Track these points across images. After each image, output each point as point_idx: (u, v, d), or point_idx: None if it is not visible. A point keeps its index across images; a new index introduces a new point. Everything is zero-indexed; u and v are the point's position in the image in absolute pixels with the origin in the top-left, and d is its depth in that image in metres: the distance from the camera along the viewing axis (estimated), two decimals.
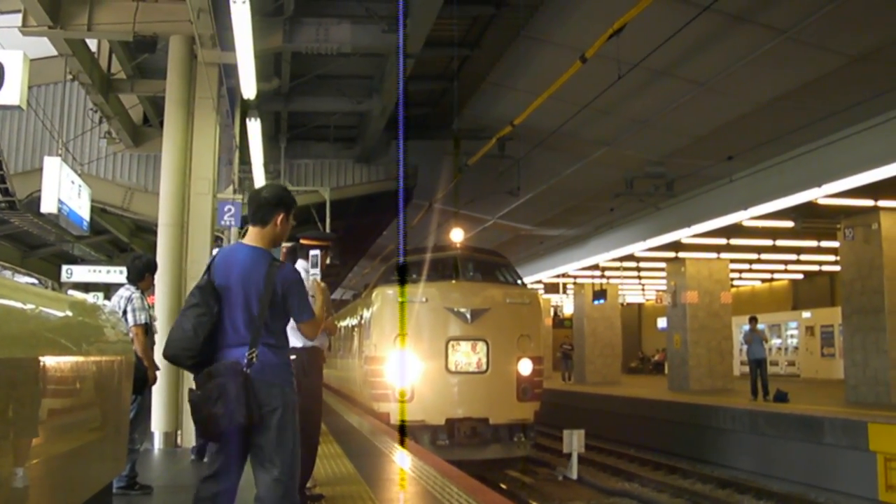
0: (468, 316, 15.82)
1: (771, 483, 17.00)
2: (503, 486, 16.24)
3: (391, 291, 16.40)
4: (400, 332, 15.58)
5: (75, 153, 18.11)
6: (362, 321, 18.34)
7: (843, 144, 15.44)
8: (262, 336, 4.69)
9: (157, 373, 8.34)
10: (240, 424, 4.50)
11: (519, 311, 16.61)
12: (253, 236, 4.95)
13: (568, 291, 38.87)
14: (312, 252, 6.78)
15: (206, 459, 9.90)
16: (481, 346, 15.87)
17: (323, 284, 5.95)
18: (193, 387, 4.66)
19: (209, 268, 4.91)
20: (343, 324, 23.38)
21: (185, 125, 12.13)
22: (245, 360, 4.58)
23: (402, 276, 16.80)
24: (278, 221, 4.92)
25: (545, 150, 18.16)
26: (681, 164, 18.68)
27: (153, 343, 8.31)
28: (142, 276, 8.24)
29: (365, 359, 16.97)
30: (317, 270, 6.44)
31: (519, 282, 17.91)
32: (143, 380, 7.51)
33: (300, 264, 6.68)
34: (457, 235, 20.78)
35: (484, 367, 15.83)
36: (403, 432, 14.05)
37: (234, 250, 5.03)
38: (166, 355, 4.79)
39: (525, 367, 16.05)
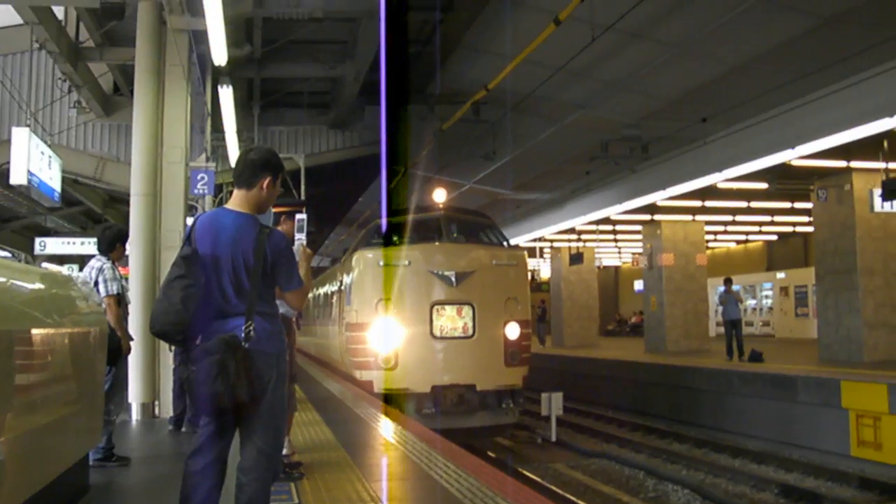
0: (453, 279, 15.32)
1: (746, 441, 17.19)
2: (491, 454, 15.93)
3: (372, 255, 15.85)
4: (382, 296, 15.16)
5: (44, 123, 17.90)
6: (342, 286, 17.78)
7: (817, 106, 15.49)
8: (256, 305, 4.54)
9: (133, 343, 8.30)
10: (242, 401, 4.39)
11: (506, 273, 16.09)
12: (238, 200, 4.73)
13: (545, 255, 38.92)
14: (299, 216, 6.66)
15: (183, 429, 9.91)
16: (467, 310, 15.39)
17: (309, 251, 5.85)
18: (172, 354, 4.56)
19: (189, 235, 4.70)
20: (322, 290, 22.91)
21: (155, 93, 11.98)
22: (242, 334, 4.45)
23: (384, 238, 16.26)
24: (265, 185, 4.70)
25: (520, 114, 18.12)
26: (656, 127, 18.68)
27: (126, 313, 8.26)
28: (113, 246, 8.14)
29: (346, 325, 16.37)
30: (302, 235, 6.30)
31: (505, 243, 17.32)
32: (117, 350, 7.46)
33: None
34: (439, 196, 20.46)
35: (470, 331, 15.36)
36: (387, 401, 13.87)
37: (218, 216, 4.77)
38: (153, 331, 4.58)
39: (512, 330, 15.63)
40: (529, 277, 19.03)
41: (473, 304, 15.43)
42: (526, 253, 17.82)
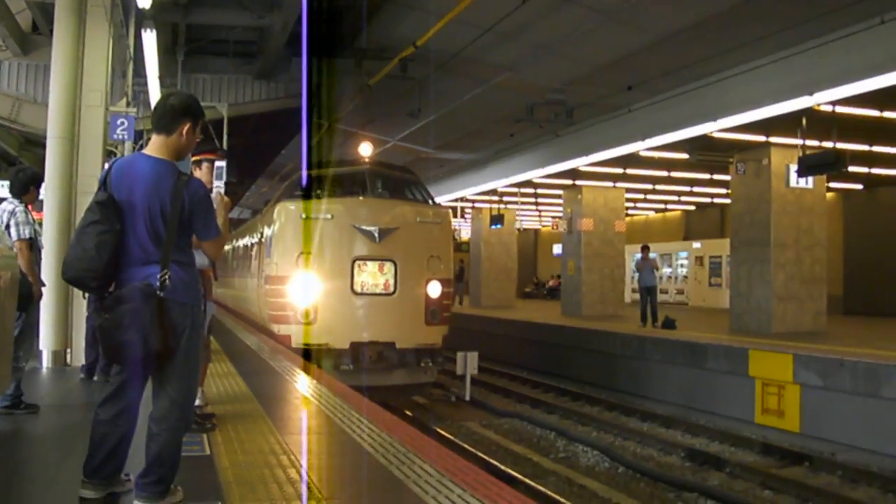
0: (376, 235, 15.15)
1: (655, 406, 17.58)
2: (405, 412, 15.94)
3: (294, 207, 15.56)
4: (303, 250, 14.98)
5: None
6: (262, 238, 17.44)
7: (740, 80, 15.75)
8: (172, 254, 4.46)
9: (45, 289, 8.14)
10: (154, 351, 4.35)
11: (429, 230, 16.01)
12: (156, 146, 4.61)
13: (466, 216, 39.06)
14: (218, 164, 6.54)
15: (95, 378, 9.77)
16: (389, 266, 15.28)
17: (227, 199, 5.74)
18: (86, 303, 4.47)
19: (105, 180, 4.59)
20: (242, 242, 22.60)
21: (76, 34, 11.62)
22: (157, 283, 4.37)
23: (307, 191, 15.90)
24: (184, 131, 4.59)
25: (447, 73, 18.06)
26: (581, 93, 18.79)
27: (39, 258, 8.09)
28: (26, 189, 7.96)
29: (265, 278, 16.14)
30: (220, 183, 6.17)
31: (430, 201, 17.17)
32: (27, 296, 7.30)
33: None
34: (365, 150, 20.16)
35: (391, 288, 15.29)
36: (306, 356, 13.79)
37: (135, 161, 4.67)
38: (67, 277, 4.51)
39: (434, 289, 15.62)
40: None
41: (396, 261, 15.31)
42: (451, 211, 17.63)
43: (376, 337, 15.15)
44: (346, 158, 21.03)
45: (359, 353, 14.99)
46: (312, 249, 15.00)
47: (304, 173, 16.78)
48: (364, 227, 15.18)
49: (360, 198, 15.96)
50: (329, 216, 15.21)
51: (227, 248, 23.02)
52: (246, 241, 21.65)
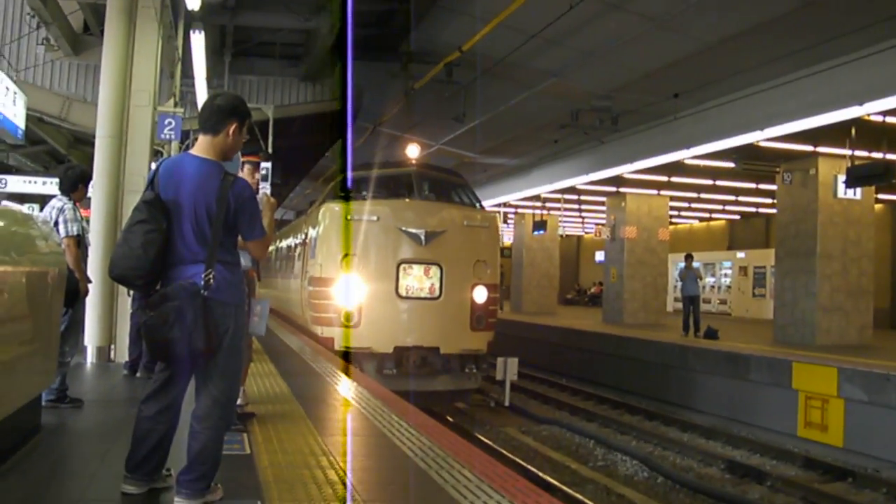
0: (422, 238, 14.89)
1: (696, 417, 17.41)
2: (444, 416, 15.72)
3: (339, 208, 15.29)
4: (348, 252, 14.81)
5: (11, 59, 17.59)
6: (307, 239, 17.23)
7: (788, 89, 15.58)
8: (217, 253, 4.50)
9: (91, 286, 8.23)
10: (198, 350, 4.39)
11: (477, 234, 15.72)
12: (203, 146, 4.66)
13: (508, 221, 38.98)
14: (264, 165, 6.58)
15: (138, 374, 9.87)
16: (435, 270, 15.05)
17: (273, 200, 5.77)
18: (131, 300, 4.51)
19: (152, 180, 4.64)
20: (286, 242, 22.46)
21: (126, 35, 11.77)
22: (202, 282, 4.41)
23: (352, 192, 15.72)
24: (231, 132, 4.63)
25: (493, 78, 18.05)
26: (627, 100, 18.70)
27: (86, 255, 8.18)
28: (75, 186, 8.06)
29: (309, 279, 15.96)
30: (267, 185, 6.20)
31: (477, 204, 16.85)
32: (74, 292, 7.38)
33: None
34: (412, 151, 19.92)
35: (437, 293, 15.04)
36: (347, 359, 13.69)
37: (182, 161, 4.71)
38: (113, 275, 4.57)
39: (480, 294, 15.35)
40: None
41: (442, 265, 15.10)
42: (498, 216, 17.50)
43: (420, 342, 14.95)
44: (392, 160, 20.82)
45: (402, 357, 14.82)
46: (357, 251, 14.85)
47: (350, 174, 16.61)
48: (410, 230, 14.95)
49: (407, 200, 15.81)
50: (375, 218, 14.98)
51: (270, 248, 23.09)
52: (290, 241, 21.52)
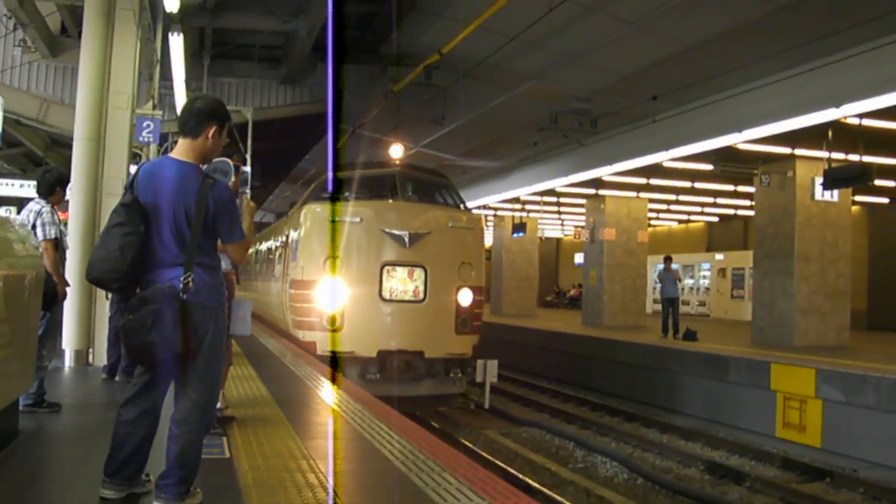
0: (406, 239, 14.68)
1: (675, 418, 17.47)
2: (424, 418, 15.60)
3: (321, 209, 15.07)
4: (330, 254, 14.50)
5: None
6: (288, 241, 16.91)
7: (766, 91, 15.66)
8: (196, 256, 4.50)
9: (69, 290, 8.19)
10: (177, 353, 4.38)
11: (461, 236, 15.45)
12: (182, 149, 4.65)
13: (488, 223, 39.02)
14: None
15: (117, 378, 9.82)
16: (419, 272, 14.82)
17: (252, 204, 5.76)
18: (109, 303, 4.50)
19: (132, 183, 4.62)
20: (266, 244, 22.28)
21: (104, 37, 11.70)
22: (181, 285, 4.41)
23: (334, 193, 15.35)
24: (210, 135, 4.64)
25: (472, 81, 18.06)
26: (606, 102, 18.74)
27: (64, 258, 8.14)
28: (52, 189, 8.02)
29: (290, 282, 15.67)
30: (247, 189, 6.17)
31: (462, 205, 16.59)
32: (52, 296, 7.33)
33: None
34: (396, 151, 19.66)
35: (421, 295, 14.83)
36: (332, 364, 13.46)
37: (161, 164, 4.72)
38: (90, 278, 4.56)
39: (465, 297, 15.12)
40: None
41: (426, 267, 14.89)
42: (483, 217, 16.98)
43: (404, 345, 14.70)
44: (375, 160, 20.52)
45: (386, 361, 14.60)
46: (340, 254, 14.56)
47: (331, 175, 16.34)
48: (394, 232, 14.73)
49: (390, 201, 15.57)
50: (357, 219, 14.75)
51: (250, 250, 22.92)
52: (270, 243, 21.23)
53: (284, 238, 17.76)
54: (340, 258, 14.54)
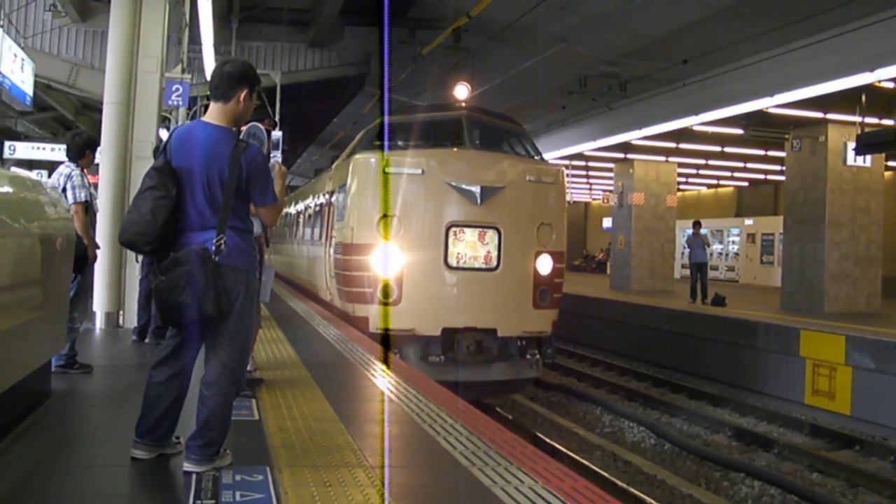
0: (477, 195, 12.38)
1: (703, 384, 17.43)
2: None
3: (374, 160, 12.78)
4: (385, 212, 12.36)
5: (18, 25, 17.56)
6: (332, 198, 14.82)
7: (798, 55, 15.44)
8: (229, 220, 4.54)
9: (99, 252, 8.25)
10: (208, 315, 4.42)
11: (541, 192, 13.19)
12: (214, 113, 4.68)
13: None
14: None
15: (147, 340, 9.91)
16: (492, 235, 12.56)
17: (284, 168, 5.75)
18: (139, 265, 4.52)
19: (165, 147, 4.67)
20: (302, 204, 20.59)
21: (133, 1, 11.73)
22: (213, 247, 4.45)
23: (389, 140, 13.19)
24: (241, 98, 4.67)
25: (500, 44, 17.96)
26: (635, 66, 18.61)
27: (94, 221, 8.19)
28: (82, 153, 8.06)
29: (336, 246, 13.65)
30: (278, 153, 6.16)
31: (537, 156, 14.32)
32: (83, 258, 7.39)
33: None
34: (461, 93, 17.15)
35: (494, 262, 12.58)
36: (385, 343, 11.74)
37: (194, 128, 4.77)
38: (122, 241, 4.63)
39: (545, 264, 12.95)
40: None
41: (500, 229, 12.61)
42: (564, 170, 14.31)
43: (474, 322, 12.57)
44: (436, 103, 17.98)
45: (452, 341, 12.54)
46: (396, 212, 12.39)
47: (385, 118, 14.10)
48: (463, 186, 12.44)
49: (456, 150, 13.32)
50: (418, 171, 12.52)
51: (285, 211, 22.76)
52: (310, 201, 19.00)
53: (326, 196, 15.80)
54: (397, 217, 12.40)
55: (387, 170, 12.41)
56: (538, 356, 13.09)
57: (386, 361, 9.26)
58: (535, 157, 14.09)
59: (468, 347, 12.50)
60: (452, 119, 13.88)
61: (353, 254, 12.78)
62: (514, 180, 12.82)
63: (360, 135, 15.94)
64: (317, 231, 16.61)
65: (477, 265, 12.57)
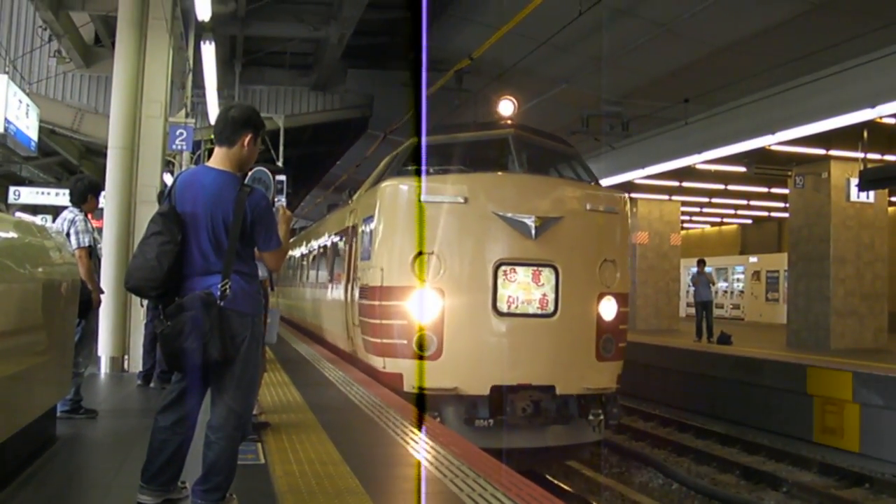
0: (532, 227, 10.33)
1: (711, 423, 17.32)
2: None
3: (407, 187, 10.72)
4: (421, 249, 10.32)
5: (23, 71, 17.71)
6: (355, 233, 12.65)
7: (799, 92, 15.52)
8: (234, 264, 4.53)
9: (104, 297, 8.25)
10: (213, 360, 4.41)
11: (604, 223, 11.13)
12: (219, 158, 4.70)
13: None
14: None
15: (152, 385, 9.88)
16: (548, 274, 10.48)
17: (289, 213, 5.76)
18: (144, 310, 4.52)
19: (170, 192, 4.69)
20: (315, 243, 18.45)
21: (137, 46, 11.82)
22: (218, 292, 4.44)
23: (425, 164, 11.30)
24: (245, 142, 4.68)
25: (503, 85, 18.01)
26: (637, 105, 18.69)
27: (98, 266, 8.20)
28: (85, 197, 8.08)
29: (361, 290, 11.50)
30: (282, 197, 6.15)
31: (594, 182, 12.15)
32: (87, 303, 7.39)
33: None
34: (506, 108, 13.86)
35: (551, 307, 10.50)
36: (422, 404, 9.65)
37: (198, 173, 4.78)
38: (128, 286, 4.62)
39: (608, 309, 10.92)
40: None
41: (557, 267, 10.54)
42: (627, 198, 12.06)
43: (529, 378, 10.39)
44: (478, 121, 15.52)
45: (504, 401, 10.26)
46: (434, 249, 10.35)
47: (423, 138, 12.09)
48: (514, 217, 10.39)
49: (504, 174, 11.27)
50: (460, 199, 10.46)
51: (295, 252, 22.62)
52: (325, 238, 16.89)
53: (347, 231, 13.68)
54: (436, 255, 10.36)
55: (422, 199, 10.41)
56: (601, 417, 10.89)
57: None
58: (592, 183, 12.05)
59: (524, 410, 10.31)
60: (497, 139, 11.72)
61: (383, 299, 10.64)
62: (572, 210, 10.83)
63: (387, 160, 14.08)
64: (336, 272, 14.59)
65: (531, 311, 10.51)
